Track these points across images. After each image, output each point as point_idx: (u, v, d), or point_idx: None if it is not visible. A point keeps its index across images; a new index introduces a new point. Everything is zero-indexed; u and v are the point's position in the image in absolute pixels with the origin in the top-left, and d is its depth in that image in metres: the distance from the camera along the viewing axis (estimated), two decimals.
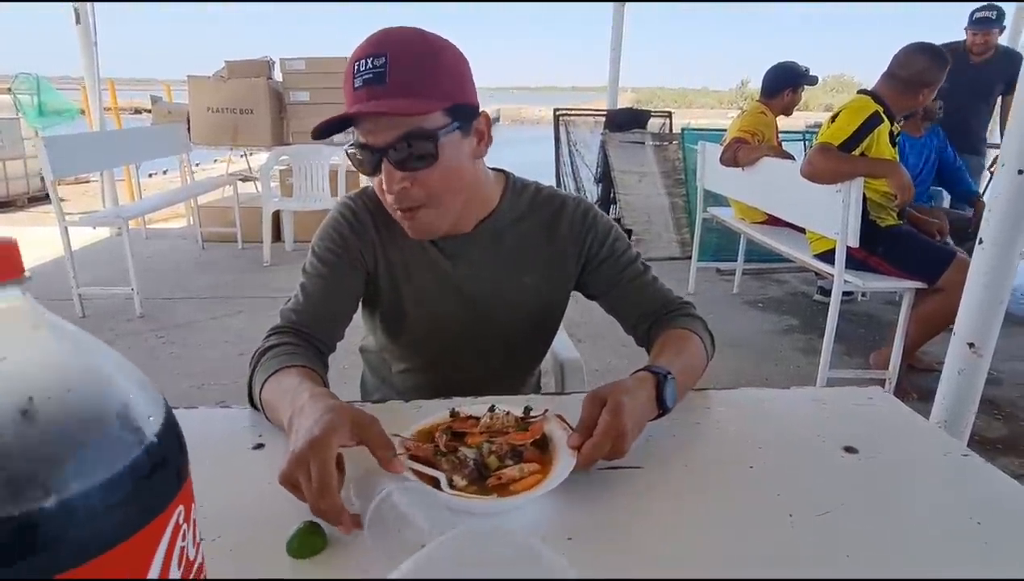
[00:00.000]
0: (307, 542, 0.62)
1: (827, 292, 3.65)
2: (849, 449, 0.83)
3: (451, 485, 0.67)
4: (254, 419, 0.86)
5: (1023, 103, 1.39)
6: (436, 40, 0.86)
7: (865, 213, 2.39)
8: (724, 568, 0.61)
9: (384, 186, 0.86)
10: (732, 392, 0.99)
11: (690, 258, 3.90)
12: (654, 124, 5.06)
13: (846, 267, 2.41)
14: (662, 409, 0.81)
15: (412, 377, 1.11)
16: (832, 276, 2.46)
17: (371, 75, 0.81)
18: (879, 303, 3.70)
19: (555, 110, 5.03)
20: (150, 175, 8.77)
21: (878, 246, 2.40)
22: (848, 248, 2.34)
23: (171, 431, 0.30)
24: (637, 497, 0.71)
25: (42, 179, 6.79)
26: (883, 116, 2.30)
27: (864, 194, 2.39)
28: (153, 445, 0.28)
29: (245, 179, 5.82)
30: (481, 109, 0.91)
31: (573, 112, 5.11)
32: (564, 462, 0.71)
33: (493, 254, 1.01)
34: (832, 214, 2.31)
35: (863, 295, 3.76)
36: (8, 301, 0.27)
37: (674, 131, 5.05)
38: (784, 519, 0.69)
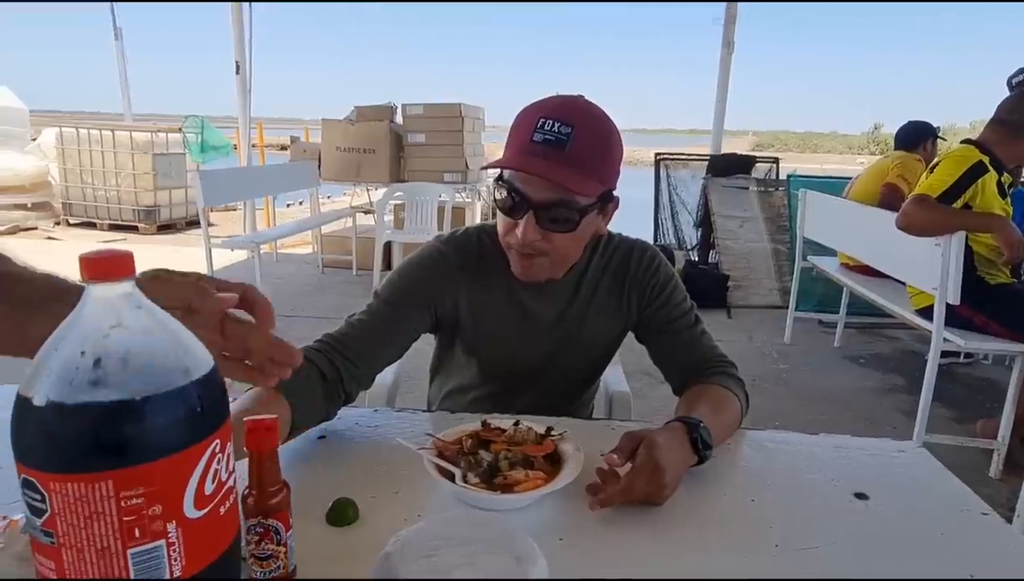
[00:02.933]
0: (342, 514, 0.75)
1: (944, 353, 3.40)
2: (860, 495, 0.85)
3: (465, 480, 0.78)
4: None
5: None
6: (612, 127, 0.94)
7: (972, 269, 2.26)
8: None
9: (520, 231, 0.94)
10: (760, 432, 1.02)
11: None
12: (760, 170, 4.96)
13: (950, 325, 2.27)
14: (699, 456, 0.85)
15: (477, 404, 1.18)
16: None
17: (554, 138, 0.88)
18: (1004, 368, 3.37)
19: (656, 154, 5.09)
20: (288, 205, 9.73)
21: (986, 304, 2.24)
22: (952, 305, 2.21)
23: (215, 384, 0.45)
24: (631, 511, 0.78)
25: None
26: (989, 166, 2.17)
27: (972, 248, 2.26)
28: (200, 389, 0.43)
29: (367, 212, 6.35)
30: (615, 193, 1.01)
31: (675, 156, 5.14)
32: (567, 473, 0.79)
33: (573, 299, 1.10)
34: (931, 268, 2.20)
35: (984, 358, 3.45)
36: (126, 289, 0.42)
37: (781, 177, 4.93)
38: (769, 548, 0.73)
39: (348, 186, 6.09)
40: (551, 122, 0.89)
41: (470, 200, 5.77)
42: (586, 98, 0.95)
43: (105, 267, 0.41)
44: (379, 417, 1.03)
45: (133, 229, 7.08)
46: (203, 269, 3.85)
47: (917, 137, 3.38)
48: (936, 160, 2.33)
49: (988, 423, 2.44)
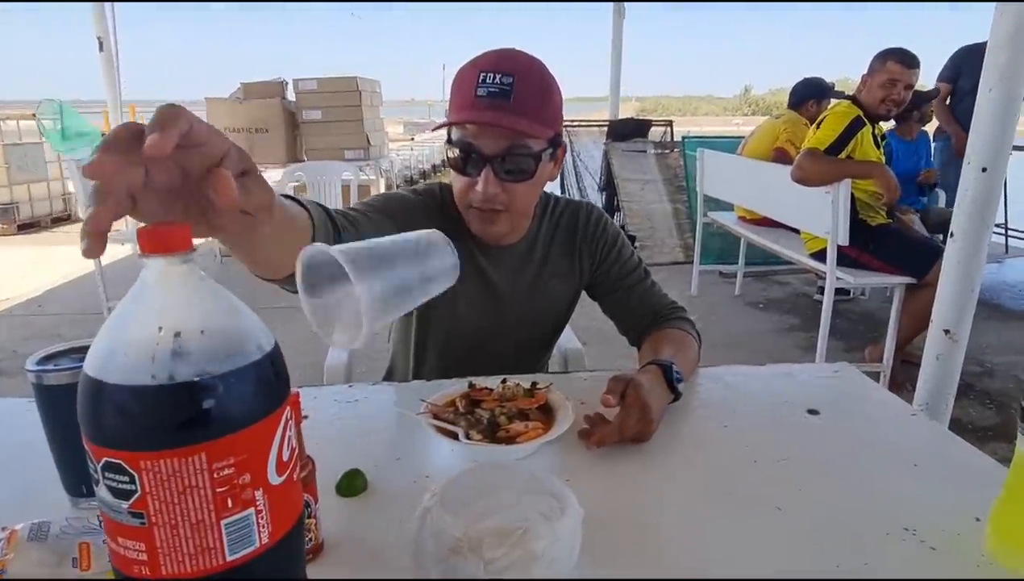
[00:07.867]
0: (352, 484, 0.76)
1: None
2: (812, 411, 0.96)
3: (468, 437, 0.80)
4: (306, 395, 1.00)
5: (983, 105, 1.52)
6: (549, 73, 0.98)
7: (855, 213, 2.52)
8: (698, 500, 0.74)
9: (480, 187, 0.95)
10: (714, 369, 1.12)
11: (693, 262, 4.02)
12: (655, 133, 5.20)
13: (839, 265, 2.53)
14: (675, 394, 0.92)
15: (437, 371, 1.18)
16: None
17: (497, 89, 0.91)
18: (879, 301, 3.80)
19: None
20: None
21: (869, 244, 2.52)
22: (840, 247, 2.46)
23: (279, 354, 0.45)
24: (623, 448, 0.84)
25: (64, 200, 7.05)
26: (864, 120, 2.43)
27: (853, 195, 2.52)
28: (271, 358, 0.42)
29: None
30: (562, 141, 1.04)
31: (576, 123, 5.27)
32: (564, 419, 0.84)
33: (528, 263, 1.13)
34: (823, 215, 2.44)
35: (862, 294, 3.86)
36: (185, 264, 0.41)
37: (675, 139, 5.19)
38: (750, 464, 0.82)
39: None
40: (492, 75, 0.92)
41: (374, 177, 5.62)
42: (518, 48, 0.98)
43: (165, 240, 0.40)
44: (356, 392, 1.03)
45: None
46: (86, 266, 3.52)
47: (803, 96, 3.66)
48: (822, 116, 2.57)
49: (874, 349, 2.76)
